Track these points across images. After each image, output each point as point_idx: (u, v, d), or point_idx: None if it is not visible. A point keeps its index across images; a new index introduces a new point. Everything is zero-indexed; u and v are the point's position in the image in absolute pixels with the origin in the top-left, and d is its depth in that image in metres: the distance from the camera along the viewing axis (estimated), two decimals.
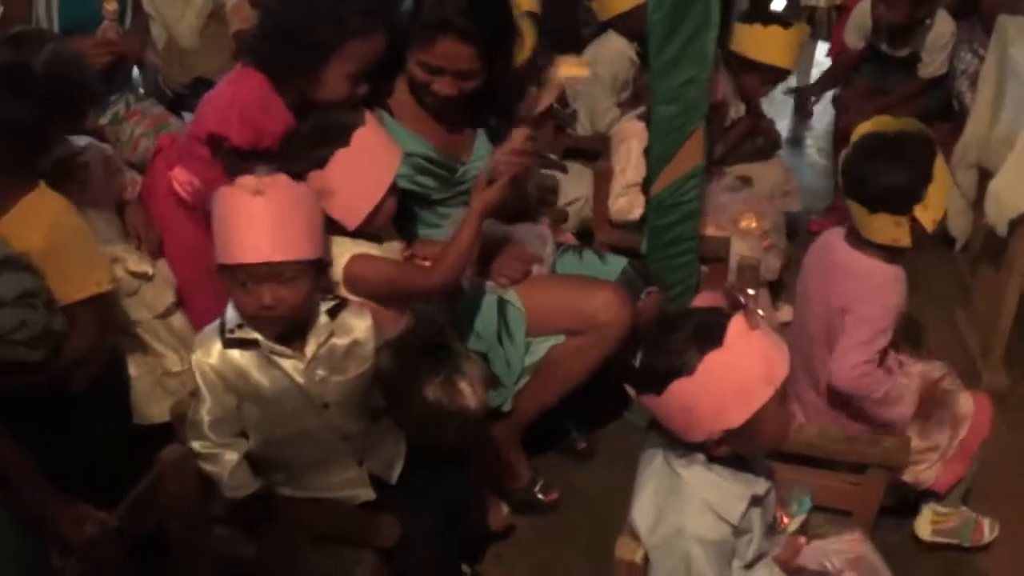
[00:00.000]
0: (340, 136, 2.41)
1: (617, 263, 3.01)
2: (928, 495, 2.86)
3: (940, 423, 2.74)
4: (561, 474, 3.15)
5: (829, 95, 5.02)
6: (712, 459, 1.86)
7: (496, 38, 2.65)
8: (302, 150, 2.43)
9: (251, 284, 2.11)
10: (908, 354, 2.83)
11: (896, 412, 2.66)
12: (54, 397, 2.38)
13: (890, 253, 2.54)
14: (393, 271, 2.51)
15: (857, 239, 2.56)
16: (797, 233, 4.36)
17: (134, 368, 2.73)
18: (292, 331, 2.21)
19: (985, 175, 3.67)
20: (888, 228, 2.46)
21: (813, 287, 2.66)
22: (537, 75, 3.19)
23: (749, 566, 1.94)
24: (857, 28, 4.49)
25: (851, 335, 2.53)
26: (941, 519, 2.88)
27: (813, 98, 5.28)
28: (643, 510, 1.90)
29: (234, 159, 2.56)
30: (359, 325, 2.29)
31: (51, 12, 3.41)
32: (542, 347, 2.82)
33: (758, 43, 3.78)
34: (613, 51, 3.99)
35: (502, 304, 2.81)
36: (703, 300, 1.90)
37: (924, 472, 2.77)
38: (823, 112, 5.60)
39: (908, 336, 3.06)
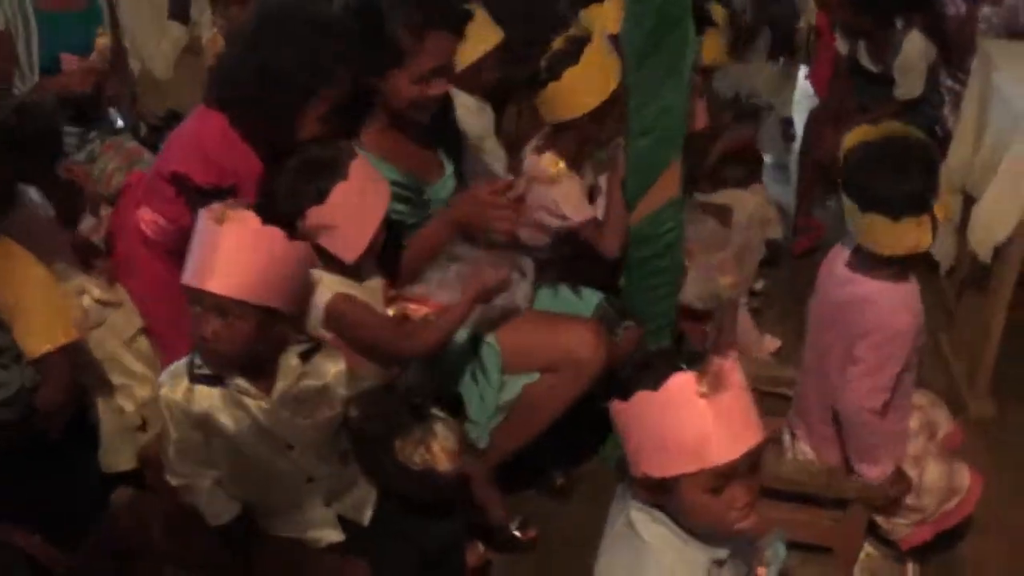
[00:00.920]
0: (336, 169, 2.35)
1: (592, 298, 2.95)
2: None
3: (934, 489, 2.66)
4: (539, 512, 3.06)
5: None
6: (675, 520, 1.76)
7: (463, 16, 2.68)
8: (294, 185, 2.36)
9: (199, 310, 2.05)
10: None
11: (884, 453, 2.56)
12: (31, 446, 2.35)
13: (901, 269, 2.45)
14: (374, 321, 2.45)
15: (863, 262, 2.47)
16: (775, 260, 4.27)
17: (101, 413, 2.66)
18: (261, 370, 2.14)
19: (969, 200, 3.56)
20: (911, 233, 2.36)
21: (827, 319, 2.58)
22: None
23: None
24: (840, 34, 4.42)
25: (863, 362, 2.46)
26: (868, 559, 2.80)
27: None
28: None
29: (197, 197, 2.50)
30: (331, 369, 2.22)
31: (31, 49, 3.36)
32: (517, 385, 2.74)
33: None
34: None
35: (476, 341, 2.74)
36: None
37: (901, 527, 2.67)
38: None
39: None
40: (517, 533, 2.94)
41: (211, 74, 2.74)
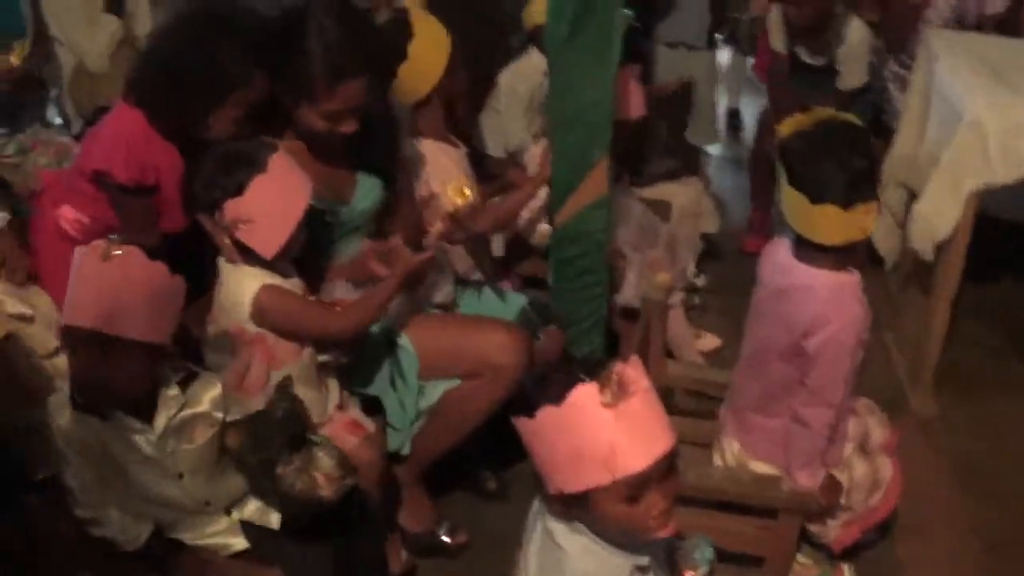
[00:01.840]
0: (256, 162, 2.26)
1: (516, 301, 2.84)
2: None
3: (861, 486, 2.56)
4: (470, 515, 2.96)
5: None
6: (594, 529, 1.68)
7: (381, 63, 2.57)
8: (213, 177, 2.28)
9: (79, 348, 1.98)
10: None
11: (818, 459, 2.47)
12: None
13: (841, 258, 2.34)
14: (302, 307, 2.39)
15: (806, 251, 2.36)
16: (721, 255, 4.14)
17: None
18: (140, 402, 2.07)
19: (913, 196, 3.43)
20: (858, 220, 2.26)
21: (768, 307, 2.47)
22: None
23: None
24: (775, 32, 4.24)
25: (822, 362, 2.34)
26: (802, 568, 2.70)
27: None
28: None
29: (120, 195, 2.55)
30: (207, 396, 2.16)
31: None
32: (437, 390, 2.64)
33: None
34: (531, 67, 3.74)
35: (393, 347, 2.64)
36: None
37: (831, 529, 2.56)
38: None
39: None
40: (446, 538, 2.85)
41: (130, 70, 2.68)
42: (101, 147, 2.54)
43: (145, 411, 2.07)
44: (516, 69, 3.71)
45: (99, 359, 1.96)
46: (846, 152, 2.25)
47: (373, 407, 2.64)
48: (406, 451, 2.68)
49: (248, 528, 2.24)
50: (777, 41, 4.21)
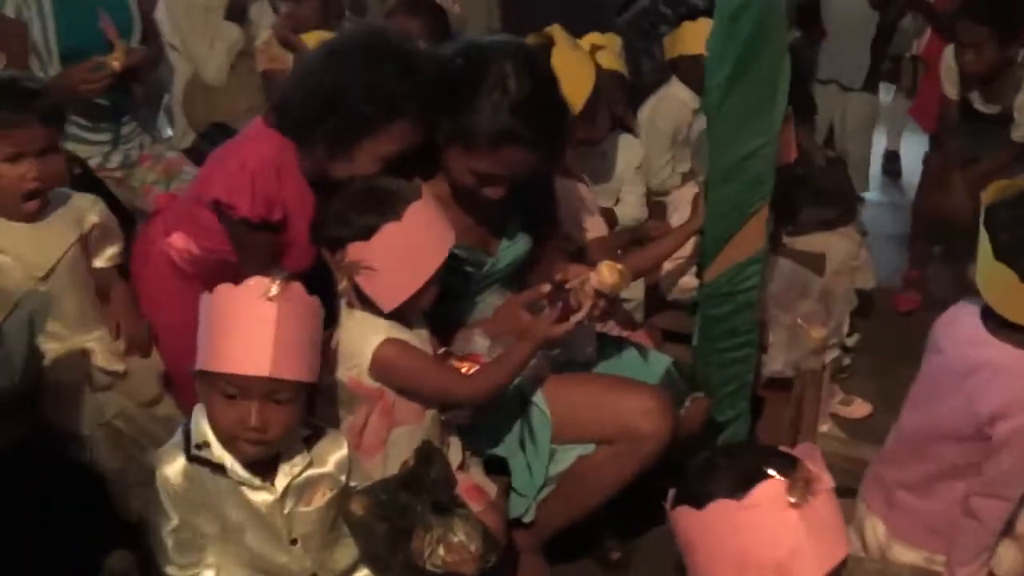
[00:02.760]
0: (392, 207, 2.19)
1: (660, 363, 2.73)
2: None
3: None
4: None
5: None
6: None
7: (556, 138, 2.48)
8: (346, 215, 2.22)
9: (240, 399, 1.90)
10: None
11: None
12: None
13: None
14: (428, 367, 2.31)
15: (1000, 327, 2.21)
16: (872, 312, 4.00)
17: (115, 461, 2.50)
18: (263, 458, 2.00)
19: None
20: None
21: (948, 382, 2.30)
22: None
23: None
24: (948, 76, 4.11)
25: (1008, 452, 2.19)
26: None
27: None
28: None
29: (241, 230, 2.48)
30: (333, 456, 2.10)
31: (48, 39, 3.20)
32: (569, 456, 2.55)
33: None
34: (674, 102, 3.70)
35: (526, 405, 2.56)
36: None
37: None
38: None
39: None
40: None
41: (273, 92, 2.66)
42: (226, 175, 2.45)
43: (266, 467, 2.00)
44: (658, 104, 3.65)
45: (246, 408, 1.90)
46: None
47: (496, 467, 2.57)
48: (529, 519, 2.59)
49: None
50: (949, 86, 4.07)
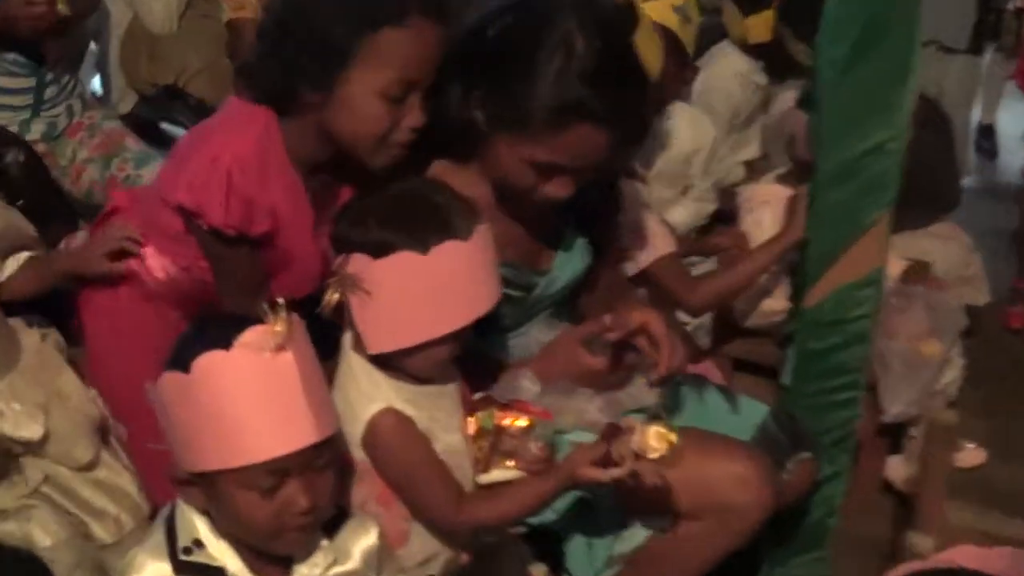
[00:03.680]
0: (423, 232, 2.00)
1: (754, 412, 2.59)
2: None
3: None
4: None
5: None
6: None
7: (635, 115, 2.30)
8: (365, 216, 2.05)
9: (281, 487, 1.75)
10: None
11: None
12: None
13: None
14: (423, 466, 2.13)
15: None
16: (976, 330, 3.88)
17: (46, 538, 2.35)
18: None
19: None
20: None
21: None
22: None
23: None
24: None
25: None
26: None
27: None
28: None
29: (215, 243, 2.28)
30: (359, 546, 1.96)
31: None
32: (639, 533, 2.41)
33: None
34: (730, 74, 3.59)
35: None
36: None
37: None
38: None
39: None
40: None
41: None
42: (192, 172, 2.23)
43: (273, 563, 1.86)
44: (709, 78, 3.59)
45: (292, 493, 1.77)
46: None
47: (546, 543, 2.45)
48: None
49: None
50: None
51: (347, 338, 2.12)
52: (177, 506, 1.84)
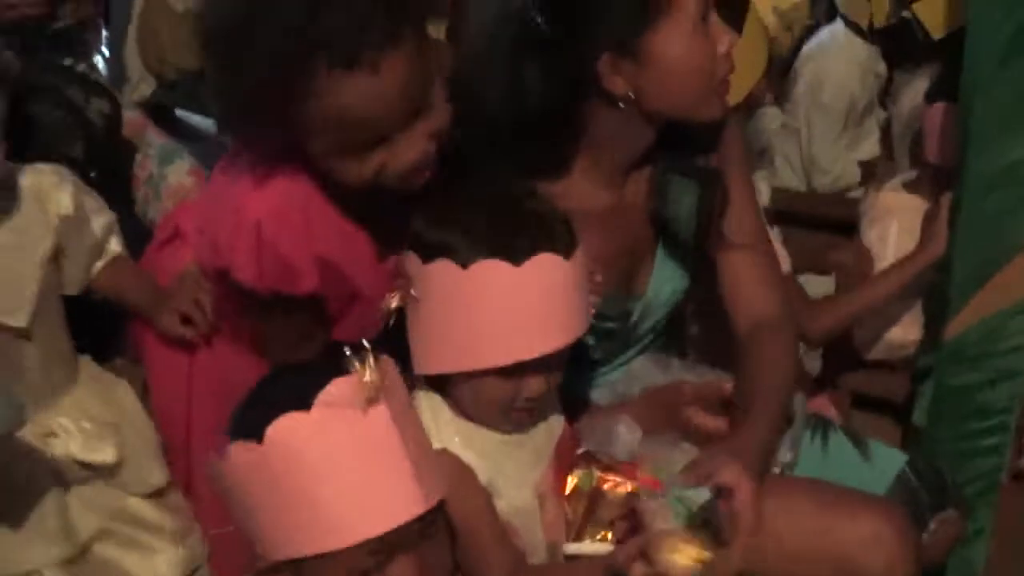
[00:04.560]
0: (487, 240, 1.94)
1: (889, 461, 2.55)
2: None
3: None
4: None
5: None
6: None
7: None
8: (434, 211, 2.03)
9: (387, 567, 1.73)
10: None
11: None
12: None
13: None
14: (478, 530, 2.07)
15: None
16: None
17: None
18: None
19: None
20: None
21: None
22: None
23: None
24: None
25: None
26: None
27: None
28: None
29: (253, 301, 2.22)
30: None
31: None
32: None
33: None
34: (846, 61, 3.59)
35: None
36: None
37: None
38: None
39: None
40: None
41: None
42: (219, 224, 2.19)
43: None
44: (820, 68, 3.58)
45: (411, 564, 1.74)
46: None
47: None
48: None
49: None
50: None
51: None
52: None
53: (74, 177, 2.34)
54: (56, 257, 2.27)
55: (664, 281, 2.44)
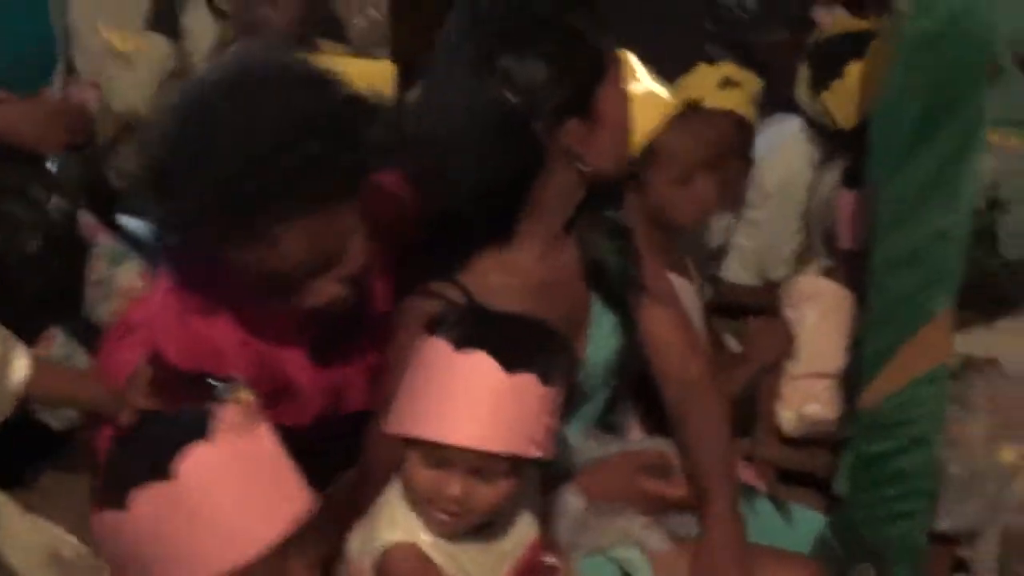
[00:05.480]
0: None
1: (810, 523, 2.71)
2: None
3: None
4: None
5: None
6: None
7: None
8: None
9: None
10: None
11: None
12: None
13: None
14: None
15: None
16: None
17: None
18: None
19: None
20: None
21: None
22: None
23: None
24: None
25: None
26: None
27: None
28: None
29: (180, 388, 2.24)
30: None
31: None
32: None
33: None
34: (796, 152, 3.68)
35: None
36: None
37: None
38: None
39: None
40: None
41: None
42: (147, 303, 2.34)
43: None
44: (783, 159, 3.65)
45: None
46: None
47: None
48: None
49: None
50: None
51: None
52: None
53: None
54: None
55: (601, 341, 2.51)
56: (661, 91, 2.92)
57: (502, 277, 2.29)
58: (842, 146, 3.40)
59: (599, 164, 2.26)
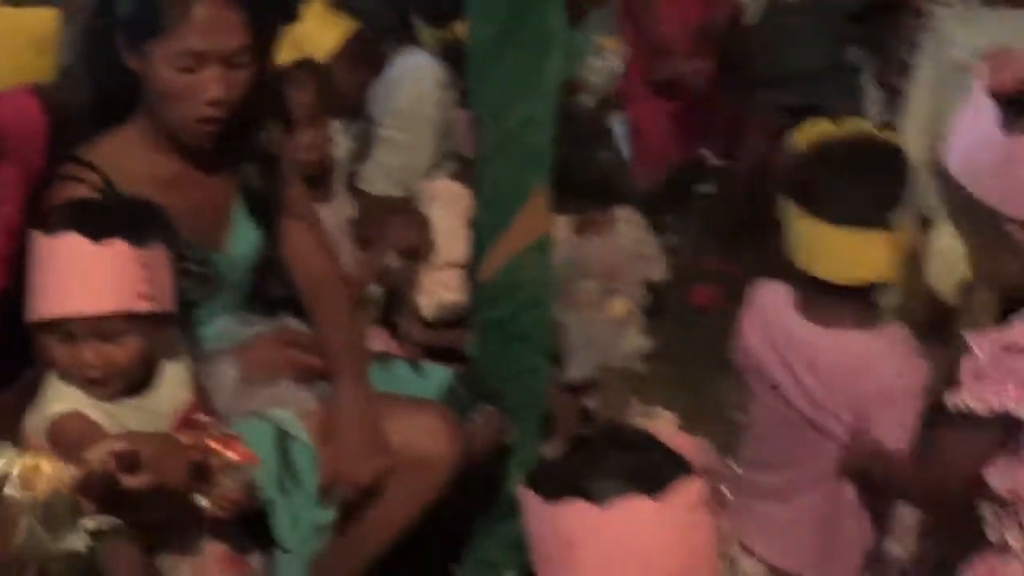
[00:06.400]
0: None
1: (438, 376, 2.97)
2: None
3: None
4: None
5: None
6: None
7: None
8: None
9: None
10: None
11: None
12: None
13: (870, 313, 2.55)
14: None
15: (828, 310, 2.55)
16: (664, 308, 4.39)
17: None
18: None
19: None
20: (884, 253, 2.48)
21: (782, 378, 2.63)
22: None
23: None
24: None
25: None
26: None
27: None
28: None
29: None
30: None
31: None
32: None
33: None
34: (424, 75, 3.98)
35: (283, 437, 2.66)
36: None
37: None
38: None
39: None
40: None
41: None
42: None
43: None
44: (413, 81, 3.91)
45: None
46: (863, 169, 2.51)
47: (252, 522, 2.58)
48: None
49: None
50: None
51: None
52: None
53: None
54: None
55: (242, 236, 2.76)
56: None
57: (131, 163, 2.58)
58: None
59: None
